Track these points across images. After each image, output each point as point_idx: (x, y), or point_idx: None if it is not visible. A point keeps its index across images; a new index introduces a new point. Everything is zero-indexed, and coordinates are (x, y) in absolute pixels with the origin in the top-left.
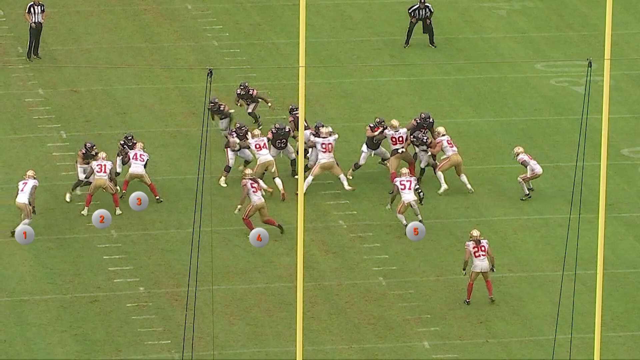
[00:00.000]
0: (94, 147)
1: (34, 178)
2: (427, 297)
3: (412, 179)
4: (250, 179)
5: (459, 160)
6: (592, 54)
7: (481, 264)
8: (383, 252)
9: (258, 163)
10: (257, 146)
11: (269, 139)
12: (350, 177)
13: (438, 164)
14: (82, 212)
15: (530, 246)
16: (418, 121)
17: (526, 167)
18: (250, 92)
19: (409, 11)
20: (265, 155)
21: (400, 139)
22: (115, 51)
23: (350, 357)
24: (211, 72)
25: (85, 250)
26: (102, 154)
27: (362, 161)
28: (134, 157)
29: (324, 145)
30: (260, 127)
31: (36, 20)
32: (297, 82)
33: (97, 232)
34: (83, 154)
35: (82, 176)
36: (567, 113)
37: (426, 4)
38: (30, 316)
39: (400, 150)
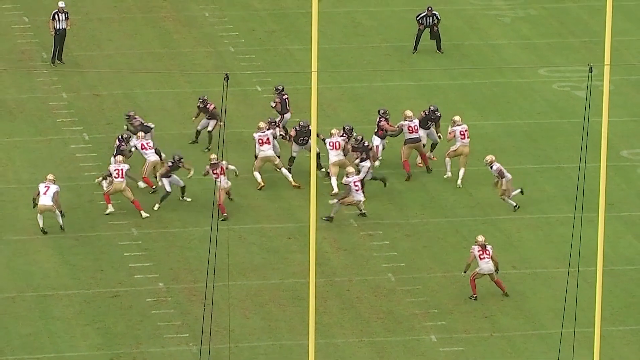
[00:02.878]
0: (182, 160)
1: (55, 183)
2: (434, 292)
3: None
4: (211, 164)
5: (465, 151)
6: (592, 59)
7: (486, 266)
8: (392, 250)
9: (259, 157)
10: (260, 141)
11: (290, 136)
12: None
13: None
14: (107, 212)
15: (533, 244)
16: (427, 113)
17: (502, 177)
18: (208, 107)
19: (417, 19)
20: (267, 151)
21: (415, 127)
22: (136, 56)
23: (361, 350)
24: (227, 76)
25: (107, 248)
26: (118, 158)
27: (379, 153)
28: (141, 147)
29: (331, 144)
30: (208, 149)
31: (60, 27)
32: (310, 87)
33: (119, 230)
34: (169, 166)
35: (168, 188)
36: (569, 116)
37: (433, 12)
38: (54, 310)
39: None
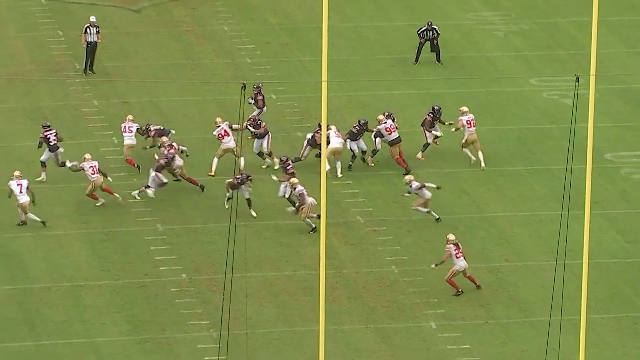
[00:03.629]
0: (250, 178)
1: (22, 177)
2: (434, 283)
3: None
4: (167, 145)
5: (475, 138)
6: (579, 70)
7: (462, 263)
8: (395, 244)
9: (221, 148)
10: (220, 135)
11: (352, 132)
12: (372, 165)
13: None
14: (98, 204)
15: (524, 239)
16: (431, 115)
17: (423, 195)
18: (149, 130)
19: (418, 32)
20: (228, 143)
21: (393, 127)
22: (161, 67)
23: (366, 336)
24: (244, 86)
25: (135, 242)
26: (86, 155)
27: (378, 146)
28: (124, 129)
29: (336, 132)
30: (140, 171)
31: (91, 40)
32: (320, 95)
33: (145, 225)
34: (235, 183)
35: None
36: (558, 122)
37: (433, 26)
38: (86, 299)
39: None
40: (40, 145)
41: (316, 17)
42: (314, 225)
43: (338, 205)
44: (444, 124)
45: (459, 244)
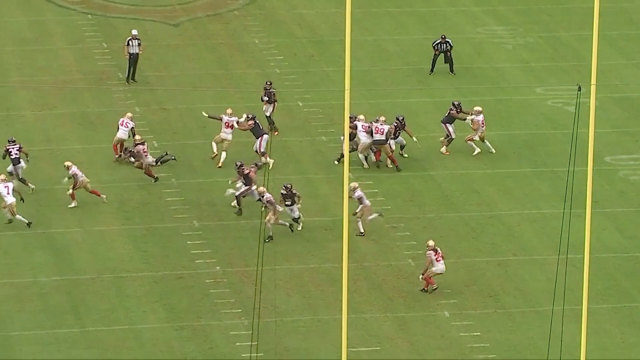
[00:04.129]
0: (296, 194)
1: (6, 180)
2: (448, 275)
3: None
4: (139, 143)
5: (485, 133)
6: (581, 80)
7: (442, 266)
8: (412, 240)
9: (220, 135)
10: (226, 124)
11: (395, 127)
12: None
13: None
14: (71, 206)
15: (530, 235)
16: (451, 110)
17: (362, 203)
18: (130, 151)
19: (433, 45)
20: (227, 135)
21: (382, 129)
22: (197, 77)
23: (385, 324)
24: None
25: (173, 237)
26: (67, 163)
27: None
28: (121, 123)
29: (364, 127)
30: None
31: (133, 52)
32: (343, 102)
33: (183, 222)
34: (282, 197)
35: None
36: (561, 128)
37: (447, 40)
38: (128, 289)
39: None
40: (4, 157)
41: (339, 31)
42: (280, 230)
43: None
44: (464, 120)
45: (438, 249)
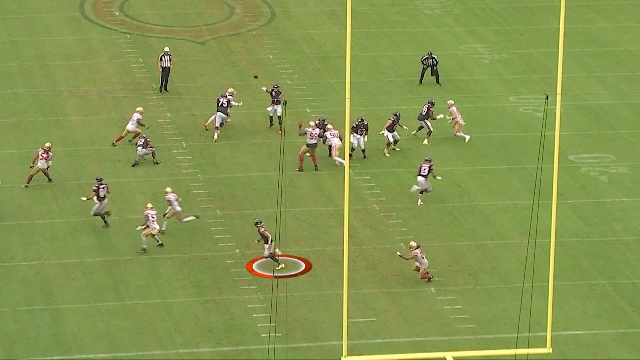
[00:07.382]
0: None
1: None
2: (434, 257)
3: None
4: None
5: (461, 123)
6: (548, 90)
7: (426, 261)
8: (403, 227)
9: (212, 119)
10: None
11: (392, 121)
12: (388, 155)
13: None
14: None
15: (505, 222)
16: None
17: (171, 206)
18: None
19: (422, 60)
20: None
21: (315, 134)
22: (220, 87)
23: (381, 299)
24: (286, 102)
25: (198, 224)
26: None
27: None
28: (132, 119)
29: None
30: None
31: (165, 66)
32: (344, 109)
33: (207, 211)
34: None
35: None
36: (531, 131)
37: (433, 55)
38: (160, 269)
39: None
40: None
41: (341, 48)
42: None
43: (358, 196)
44: (435, 119)
45: (420, 247)
